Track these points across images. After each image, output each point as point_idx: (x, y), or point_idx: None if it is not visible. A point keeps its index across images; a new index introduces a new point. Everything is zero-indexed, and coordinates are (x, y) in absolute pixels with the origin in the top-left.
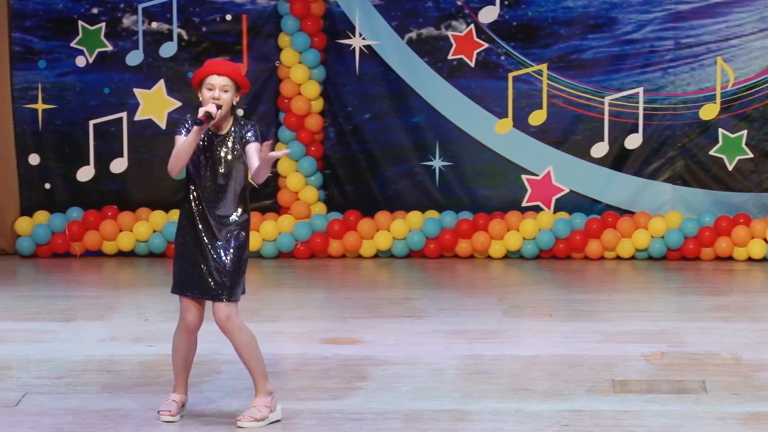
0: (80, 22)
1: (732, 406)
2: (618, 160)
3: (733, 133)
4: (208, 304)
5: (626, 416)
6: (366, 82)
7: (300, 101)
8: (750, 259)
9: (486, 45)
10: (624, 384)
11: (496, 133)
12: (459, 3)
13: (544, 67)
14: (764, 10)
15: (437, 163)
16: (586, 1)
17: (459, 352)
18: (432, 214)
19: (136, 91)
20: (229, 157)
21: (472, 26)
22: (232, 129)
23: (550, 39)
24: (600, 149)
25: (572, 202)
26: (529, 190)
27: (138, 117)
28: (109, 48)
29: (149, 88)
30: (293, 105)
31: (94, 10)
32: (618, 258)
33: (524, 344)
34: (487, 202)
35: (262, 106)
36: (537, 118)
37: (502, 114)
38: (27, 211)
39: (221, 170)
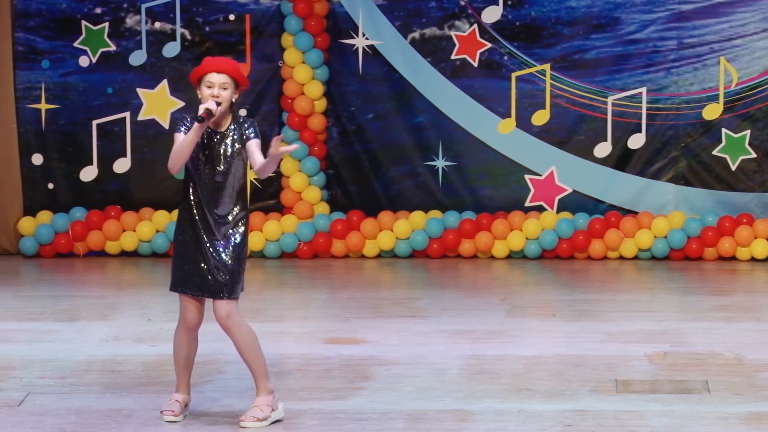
0: (83, 22)
1: (735, 406)
2: (621, 160)
3: (736, 133)
4: (208, 302)
5: (629, 416)
6: (369, 82)
7: (303, 101)
8: (753, 259)
9: (489, 45)
10: (627, 384)
11: (499, 132)
12: (462, 3)
13: (547, 67)
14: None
15: (440, 163)
16: (589, 1)
17: (462, 352)
18: (435, 214)
19: (140, 91)
20: (228, 154)
21: (475, 26)
22: (231, 126)
23: (553, 39)
24: (603, 149)
25: (575, 202)
26: (532, 190)
27: (141, 117)
28: (113, 48)
29: (152, 88)
30: (296, 105)
31: (98, 10)
32: (621, 258)
33: (527, 344)
34: (490, 202)
35: (265, 105)
36: (540, 118)
37: (505, 114)
38: (30, 211)
39: (220, 167)
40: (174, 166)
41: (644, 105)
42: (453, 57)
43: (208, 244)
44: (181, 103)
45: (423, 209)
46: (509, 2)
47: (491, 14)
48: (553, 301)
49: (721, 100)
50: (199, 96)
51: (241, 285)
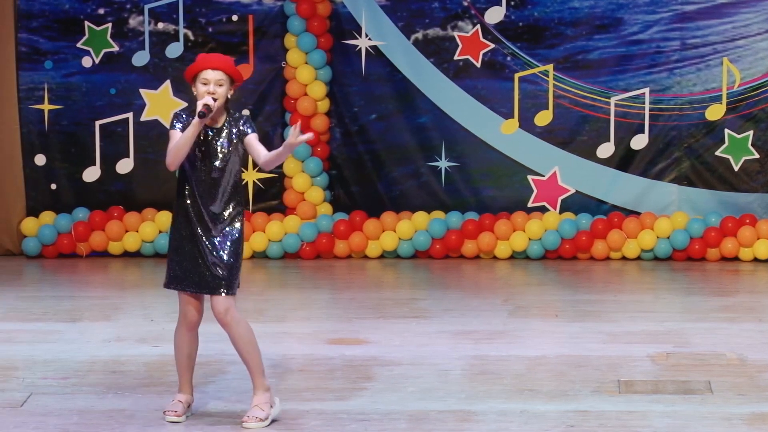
0: (86, 23)
1: (738, 406)
2: (624, 160)
3: (739, 133)
4: (207, 300)
5: (632, 417)
6: (372, 83)
7: (306, 102)
8: (756, 260)
9: (492, 45)
10: (629, 384)
11: (502, 133)
12: (465, 3)
13: (550, 67)
14: None
15: (443, 164)
16: (592, 2)
17: (464, 352)
18: (438, 214)
19: (143, 91)
20: (225, 150)
21: (478, 27)
22: (226, 123)
23: (556, 39)
24: (606, 150)
25: (578, 203)
26: (535, 191)
27: (144, 117)
28: (116, 48)
29: (155, 88)
30: (299, 105)
31: (101, 11)
32: (624, 258)
33: (530, 345)
34: (493, 203)
35: (268, 106)
36: (543, 118)
37: (508, 114)
38: (33, 211)
39: (216, 164)
40: (173, 163)
41: (647, 105)
42: (456, 57)
43: (205, 240)
44: (184, 104)
45: (426, 210)
46: (512, 3)
47: (494, 15)
48: (556, 301)
49: (724, 100)
50: (195, 93)
51: (238, 281)
